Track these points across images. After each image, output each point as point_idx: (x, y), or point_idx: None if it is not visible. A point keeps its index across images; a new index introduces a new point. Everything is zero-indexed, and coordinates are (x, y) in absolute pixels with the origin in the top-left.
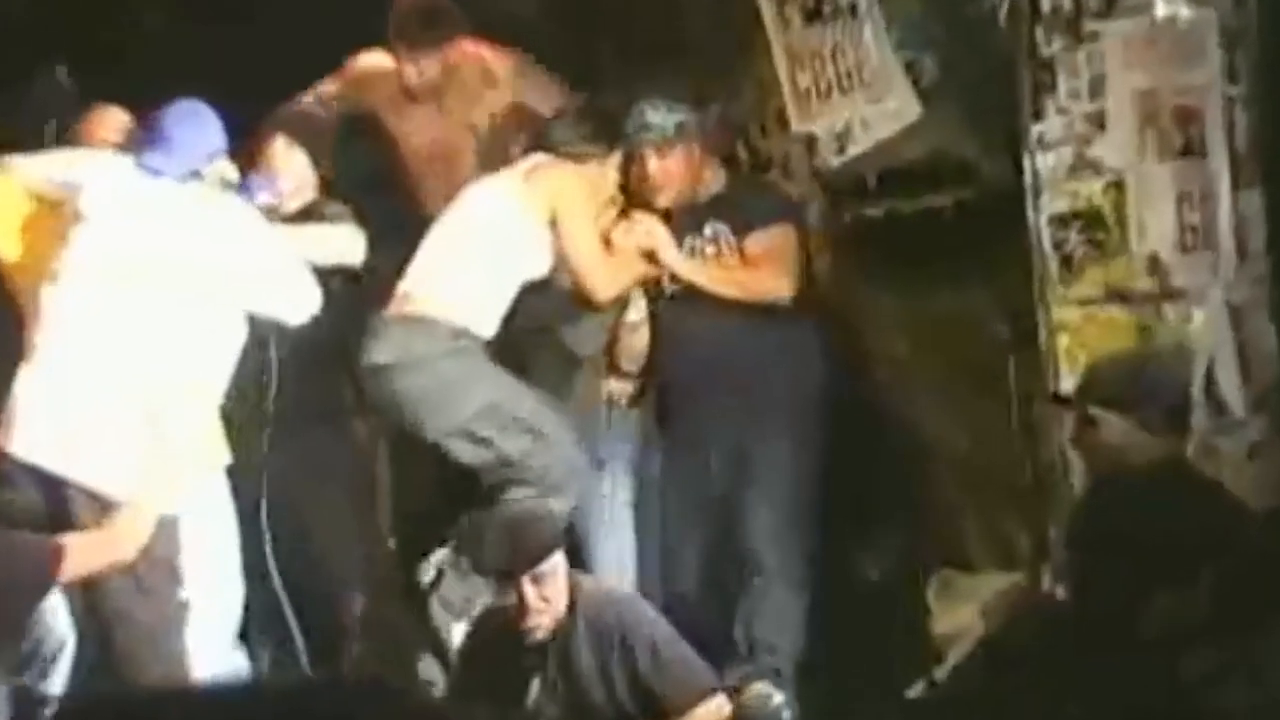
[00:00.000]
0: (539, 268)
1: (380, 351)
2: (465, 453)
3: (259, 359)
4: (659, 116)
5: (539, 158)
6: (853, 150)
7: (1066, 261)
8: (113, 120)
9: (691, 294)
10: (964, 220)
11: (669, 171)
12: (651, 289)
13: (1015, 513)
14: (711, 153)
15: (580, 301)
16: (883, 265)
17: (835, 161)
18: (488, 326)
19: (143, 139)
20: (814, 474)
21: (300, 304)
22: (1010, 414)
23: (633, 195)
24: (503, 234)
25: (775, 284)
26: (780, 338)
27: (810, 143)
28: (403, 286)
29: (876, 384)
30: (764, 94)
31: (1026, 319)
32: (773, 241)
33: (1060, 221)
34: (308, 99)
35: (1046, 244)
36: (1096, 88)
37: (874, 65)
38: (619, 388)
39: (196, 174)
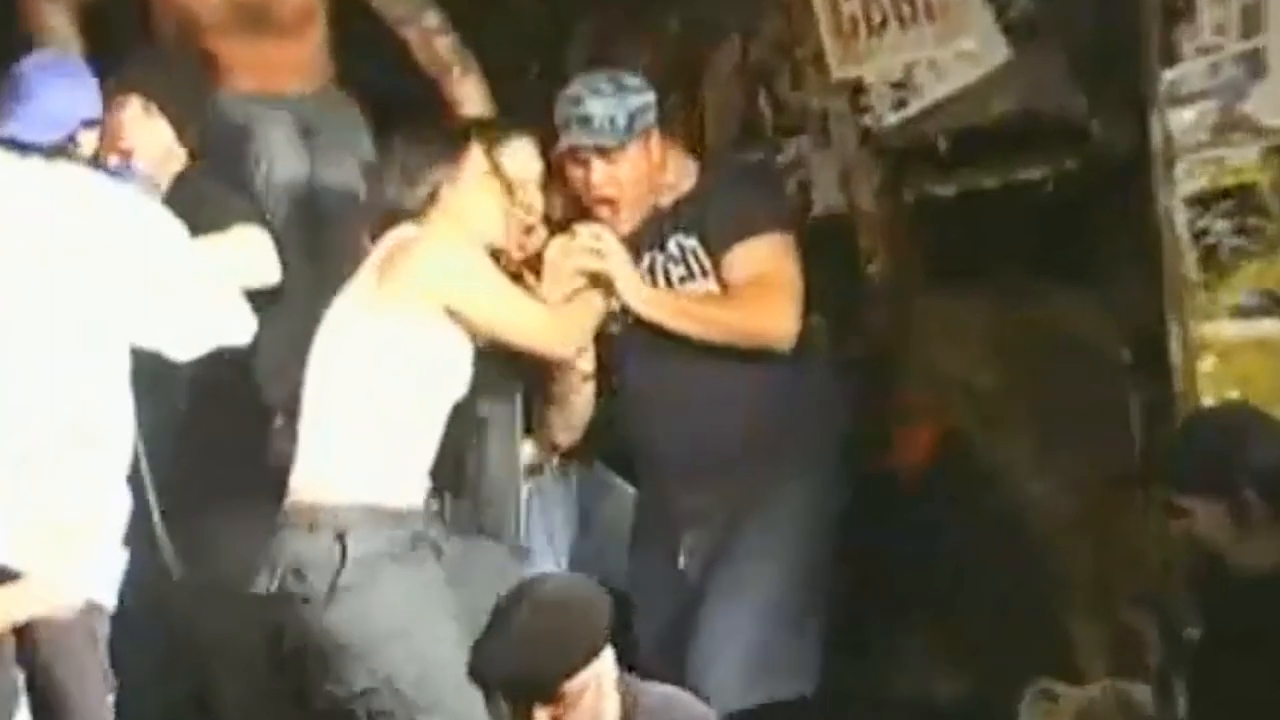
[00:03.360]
0: (457, 386)
1: (262, 575)
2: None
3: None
4: (603, 106)
5: (382, 250)
6: (916, 105)
7: (1210, 257)
8: None
9: (653, 331)
10: (1068, 200)
11: (621, 182)
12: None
13: (1140, 605)
14: (677, 139)
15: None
16: (957, 263)
17: (892, 120)
18: (411, 493)
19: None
20: (822, 573)
21: (233, 329)
22: (1132, 469)
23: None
24: (393, 364)
25: (766, 323)
26: (794, 380)
27: (858, 94)
28: (294, 473)
29: (947, 433)
30: (794, 27)
31: (1155, 337)
32: (759, 260)
33: (1200, 202)
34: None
35: (1182, 233)
36: (1251, 19)
37: None
38: (545, 455)
39: (65, 149)
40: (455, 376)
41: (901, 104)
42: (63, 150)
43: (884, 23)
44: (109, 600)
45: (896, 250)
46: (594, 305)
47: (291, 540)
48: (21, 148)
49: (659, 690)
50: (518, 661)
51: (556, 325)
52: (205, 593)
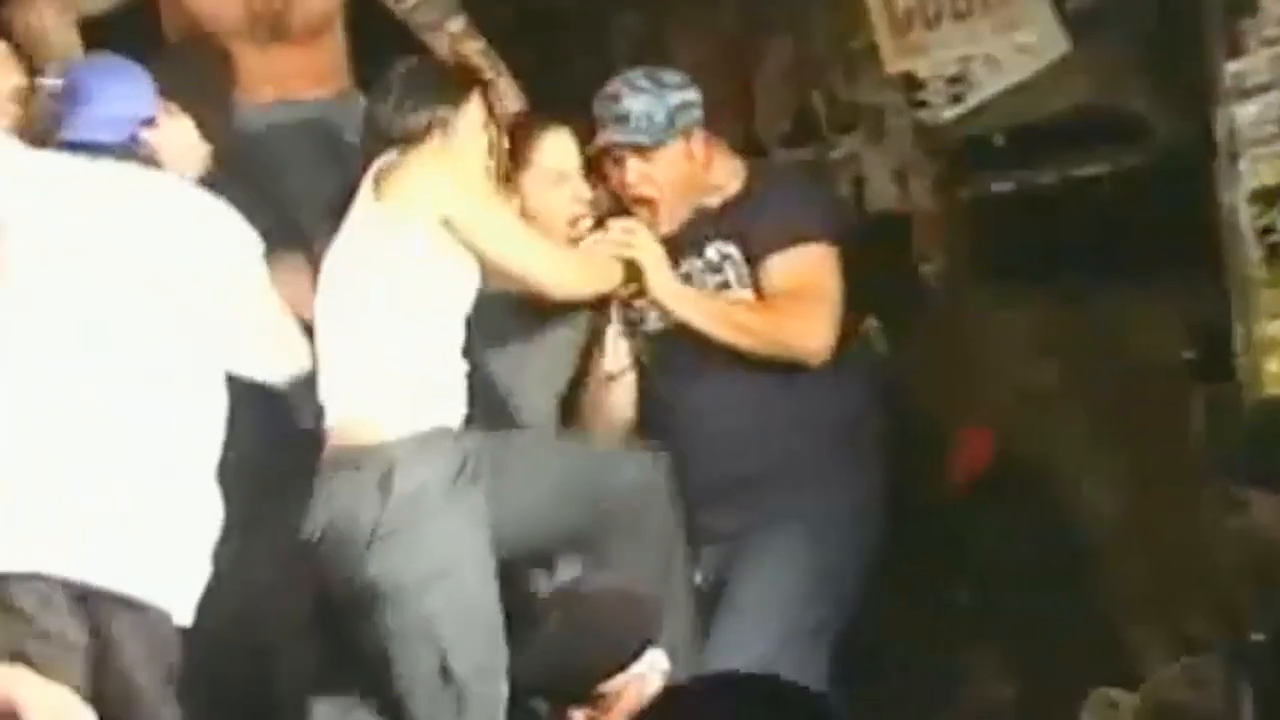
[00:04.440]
0: (469, 285)
1: (311, 519)
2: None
3: None
4: (641, 103)
5: (381, 162)
6: (973, 100)
7: (1274, 254)
8: None
9: (682, 342)
10: (1129, 197)
11: (659, 182)
12: (631, 321)
13: (1205, 610)
14: (725, 137)
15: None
16: (1014, 261)
17: (948, 115)
18: (453, 408)
19: (54, 101)
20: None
21: (290, 357)
22: (1197, 471)
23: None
24: (399, 276)
25: (799, 335)
26: (829, 395)
27: (913, 90)
28: (328, 418)
29: (1003, 435)
30: (847, 21)
31: (1218, 336)
32: (799, 271)
33: (1265, 198)
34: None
35: (1246, 230)
36: None
37: None
38: None
39: (132, 150)
40: (463, 284)
41: (958, 99)
42: (130, 151)
43: (939, 16)
44: (187, 619)
45: (952, 249)
46: (605, 263)
47: (336, 485)
48: (90, 150)
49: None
50: (552, 664)
51: (554, 259)
52: (250, 547)
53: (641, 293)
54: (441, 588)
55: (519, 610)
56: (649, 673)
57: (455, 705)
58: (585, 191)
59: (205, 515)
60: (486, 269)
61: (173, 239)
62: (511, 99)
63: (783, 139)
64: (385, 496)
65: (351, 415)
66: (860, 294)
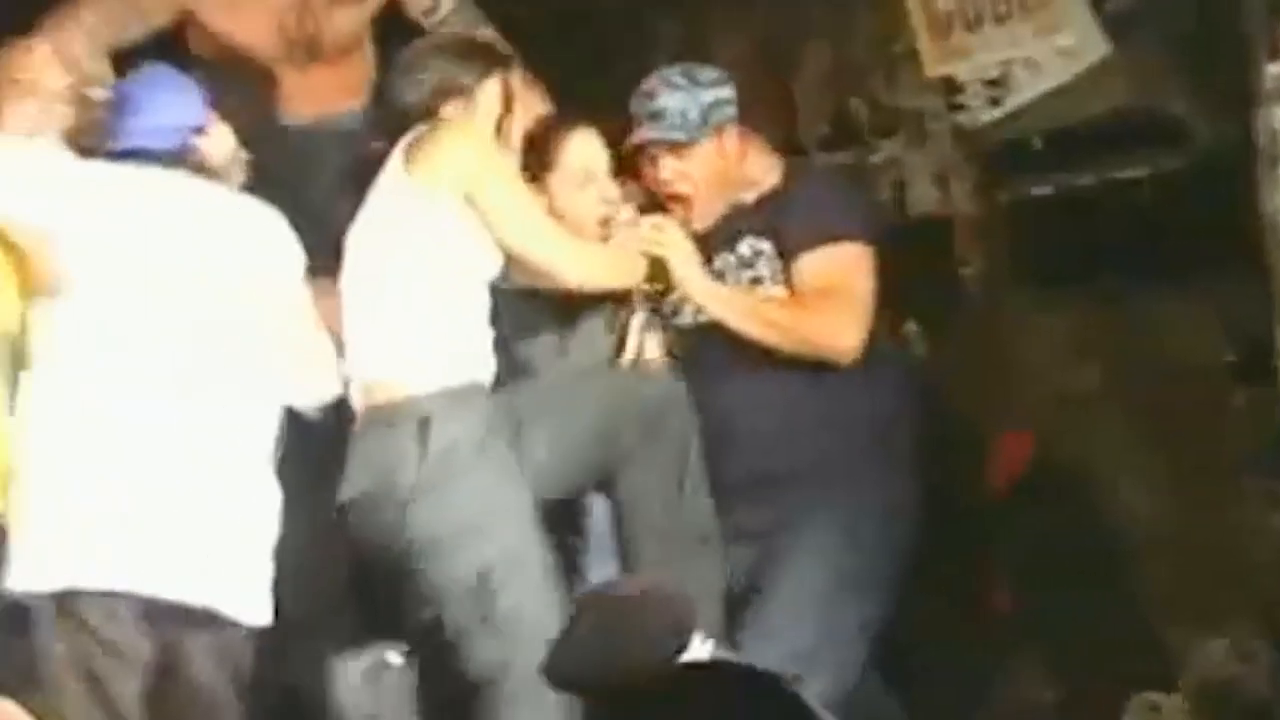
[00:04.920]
0: (492, 262)
1: (349, 483)
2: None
3: None
4: (676, 100)
5: (414, 133)
6: (1013, 102)
7: None
8: (38, 60)
9: (719, 334)
10: (1169, 200)
11: (693, 178)
12: (661, 315)
13: (1246, 611)
14: (763, 134)
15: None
16: (1054, 264)
17: (988, 118)
18: (483, 366)
19: (104, 111)
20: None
21: (324, 379)
22: (1239, 476)
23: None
24: (426, 243)
25: (830, 333)
26: (860, 394)
27: (953, 93)
28: (356, 379)
29: (1042, 438)
30: (887, 24)
31: (1259, 338)
32: (833, 269)
33: None
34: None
35: None
36: None
37: None
38: None
39: (183, 157)
40: (488, 256)
41: (997, 102)
42: (180, 159)
43: (979, 19)
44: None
45: (992, 252)
46: (628, 258)
47: (370, 444)
48: (140, 157)
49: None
50: (589, 665)
51: (571, 248)
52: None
53: (668, 291)
54: (480, 540)
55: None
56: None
57: (501, 654)
58: (612, 192)
59: (266, 516)
60: (506, 256)
61: (223, 245)
62: (538, 102)
63: (823, 142)
64: (423, 450)
65: (380, 377)
66: (900, 297)
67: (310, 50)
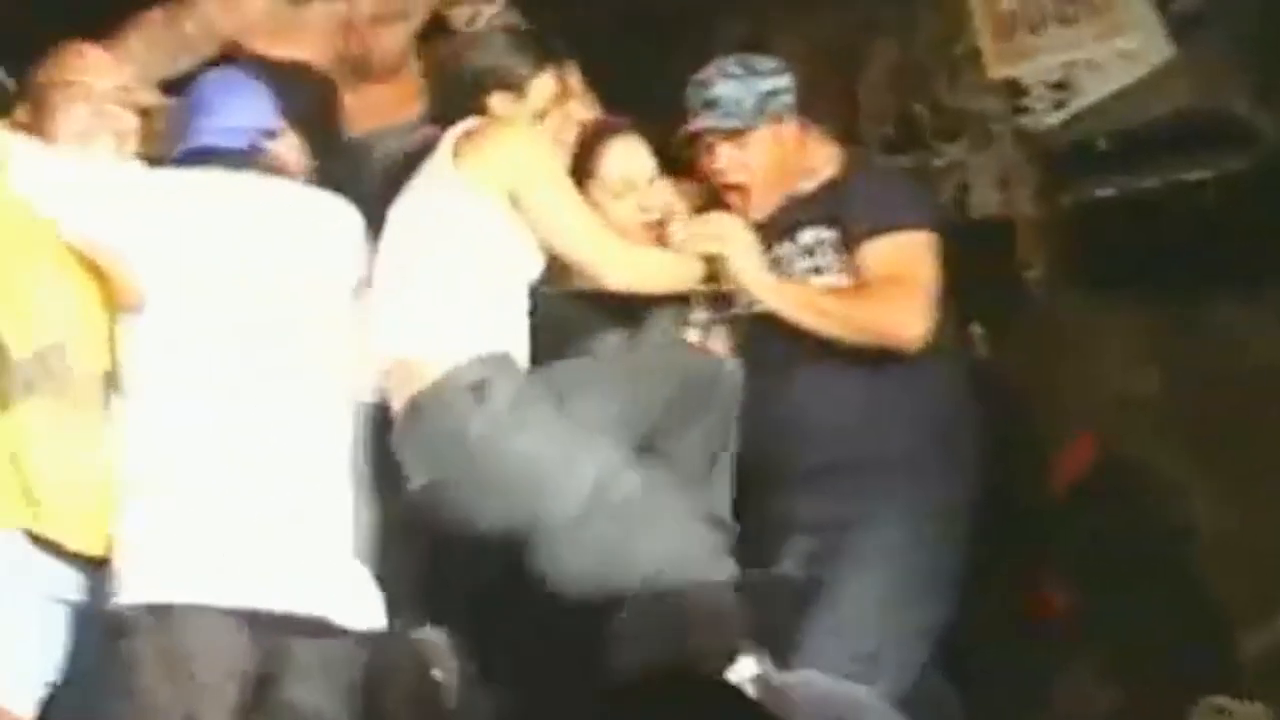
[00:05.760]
0: (533, 263)
1: (416, 472)
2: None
3: None
4: (731, 88)
5: (465, 125)
6: (1077, 105)
7: None
8: (91, 63)
9: (779, 325)
10: (1233, 202)
11: (750, 167)
12: (723, 314)
13: None
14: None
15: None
16: (1117, 268)
17: (1051, 121)
18: (520, 350)
19: (176, 114)
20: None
21: None
22: None
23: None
24: (467, 238)
25: (895, 321)
26: (924, 387)
27: (1016, 95)
28: (394, 362)
29: (1105, 442)
30: (950, 26)
31: None
32: (898, 257)
33: None
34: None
35: None
36: None
37: None
38: None
39: (253, 157)
40: (528, 254)
41: (1061, 105)
42: (251, 159)
43: (1043, 21)
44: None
45: (1055, 255)
46: (679, 260)
47: (427, 424)
48: (211, 157)
49: (799, 678)
50: (639, 661)
51: (616, 249)
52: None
53: (725, 296)
54: (581, 458)
55: (601, 622)
56: (739, 681)
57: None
58: (654, 200)
59: (356, 516)
60: (552, 258)
61: (298, 242)
62: (588, 105)
63: (885, 145)
64: (486, 404)
65: (416, 356)
66: (964, 299)
67: (359, 70)
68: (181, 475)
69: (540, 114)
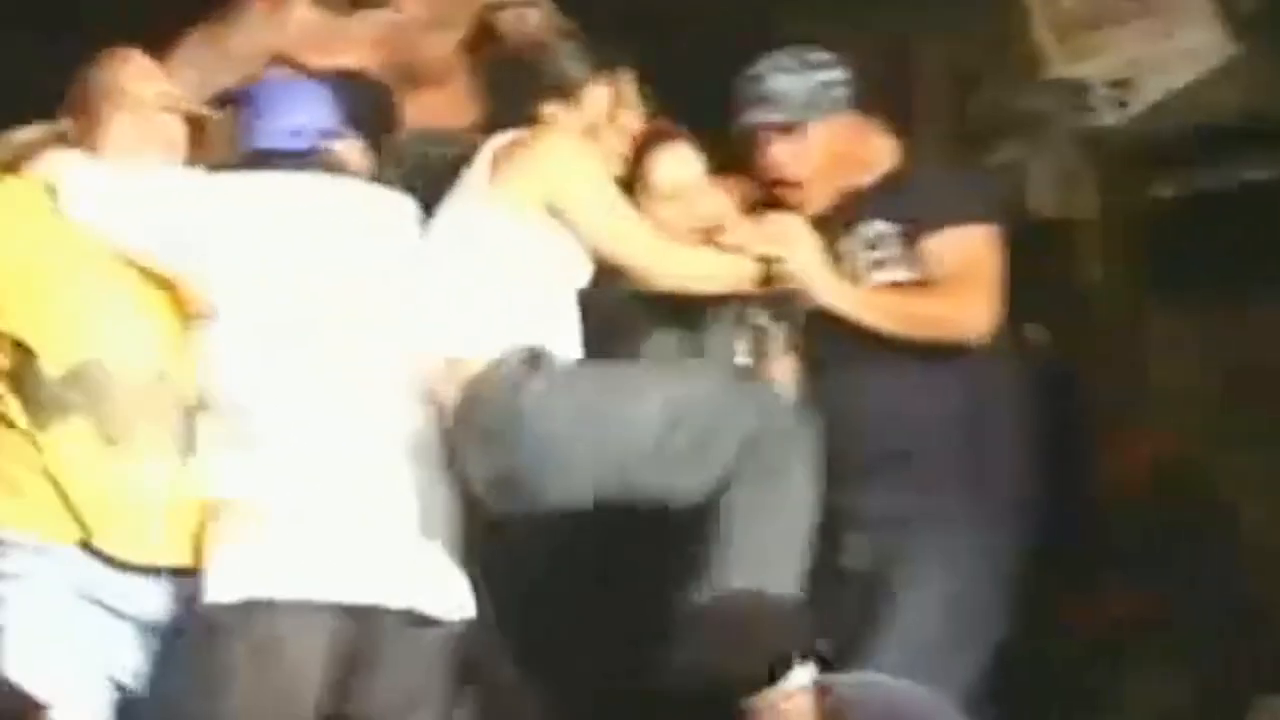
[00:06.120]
0: (580, 271)
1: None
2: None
3: None
4: (785, 82)
5: (503, 138)
6: (1137, 104)
7: None
8: (137, 70)
9: (836, 321)
10: None
11: (806, 161)
12: (782, 315)
13: None
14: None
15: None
16: (1178, 268)
17: (1112, 120)
18: (573, 345)
19: (236, 115)
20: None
21: None
22: None
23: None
24: (504, 258)
25: (961, 313)
26: (986, 385)
27: (1076, 95)
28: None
29: (1167, 445)
30: (1010, 25)
31: None
32: (964, 251)
33: None
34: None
35: None
36: None
37: None
38: None
39: (316, 157)
40: (574, 263)
41: (1122, 104)
42: (314, 160)
43: (1104, 19)
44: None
45: (1115, 254)
46: (729, 261)
47: (483, 406)
48: (270, 159)
49: (859, 682)
50: (693, 683)
51: (663, 250)
52: None
53: (785, 296)
54: (649, 391)
55: (658, 628)
56: (795, 689)
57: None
58: (704, 208)
59: (441, 508)
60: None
61: (365, 238)
62: (635, 117)
63: (943, 144)
64: (541, 369)
65: (465, 358)
66: (1023, 299)
67: (407, 78)
68: (266, 472)
69: (593, 123)
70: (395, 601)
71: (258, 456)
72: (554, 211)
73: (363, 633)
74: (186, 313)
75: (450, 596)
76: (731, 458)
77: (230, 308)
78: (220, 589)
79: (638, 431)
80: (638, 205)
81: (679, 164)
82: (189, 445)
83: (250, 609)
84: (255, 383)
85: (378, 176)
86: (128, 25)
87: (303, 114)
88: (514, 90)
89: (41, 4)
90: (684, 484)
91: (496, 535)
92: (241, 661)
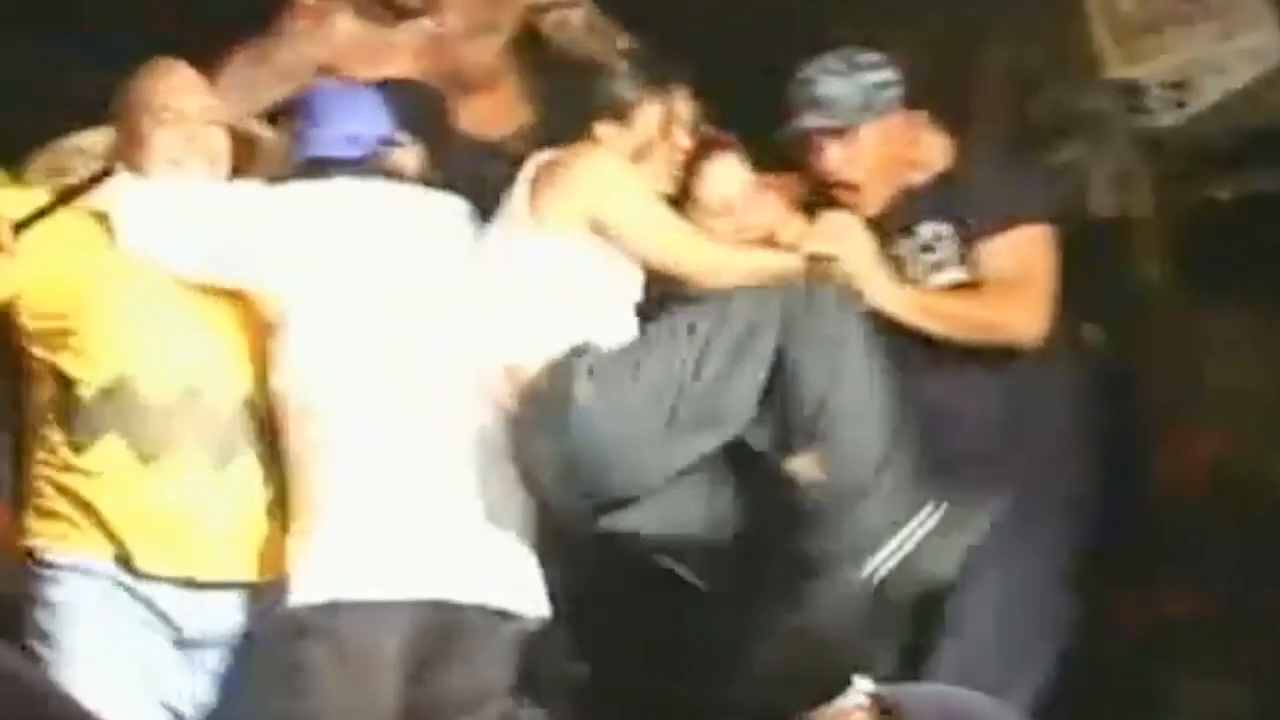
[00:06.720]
0: (631, 284)
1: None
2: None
3: None
4: (836, 85)
5: (535, 163)
6: (1196, 106)
7: None
8: (179, 84)
9: (891, 323)
10: None
11: (860, 164)
12: None
13: None
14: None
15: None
16: (1236, 269)
17: (1170, 121)
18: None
19: (293, 122)
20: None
21: None
22: None
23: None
24: (548, 281)
25: (1015, 317)
26: (1038, 388)
27: (1134, 96)
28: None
29: (1223, 447)
30: (1068, 27)
31: None
32: (1020, 253)
33: None
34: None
35: None
36: None
37: None
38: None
39: (376, 164)
40: (623, 278)
41: (1180, 104)
42: (372, 167)
43: (1162, 21)
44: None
45: (1173, 255)
46: (774, 259)
47: (539, 405)
48: (326, 168)
49: (917, 692)
50: (755, 697)
51: (707, 251)
52: None
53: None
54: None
55: (716, 646)
56: (852, 706)
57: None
58: (751, 218)
59: (516, 506)
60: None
61: (428, 245)
62: (688, 134)
63: (1000, 145)
64: (592, 356)
65: (522, 364)
66: (1080, 299)
67: (454, 85)
68: (344, 475)
69: (645, 144)
70: (473, 596)
71: (336, 459)
72: (597, 228)
73: (441, 626)
74: (230, 328)
75: (526, 592)
76: (770, 351)
77: (300, 315)
78: (306, 591)
79: (676, 371)
80: (688, 219)
81: (728, 178)
82: (224, 459)
83: (335, 610)
84: (330, 387)
85: (432, 181)
86: (128, 25)
87: (358, 121)
88: (567, 108)
89: (41, 4)
90: (737, 396)
91: (570, 536)
92: (326, 663)
